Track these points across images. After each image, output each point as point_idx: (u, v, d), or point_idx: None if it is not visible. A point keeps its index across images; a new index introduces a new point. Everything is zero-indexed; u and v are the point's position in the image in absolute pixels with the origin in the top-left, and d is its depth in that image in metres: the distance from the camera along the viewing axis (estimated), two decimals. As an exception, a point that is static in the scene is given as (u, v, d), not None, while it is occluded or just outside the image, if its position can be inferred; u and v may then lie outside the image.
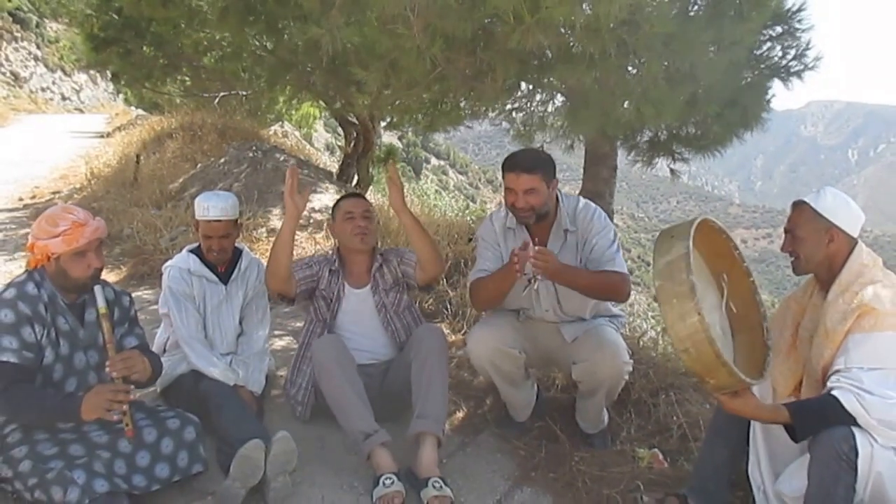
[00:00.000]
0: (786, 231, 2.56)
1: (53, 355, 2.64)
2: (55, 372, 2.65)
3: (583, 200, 3.33)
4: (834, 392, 2.25)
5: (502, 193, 3.24)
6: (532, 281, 2.95)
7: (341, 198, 3.59)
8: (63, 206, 2.74)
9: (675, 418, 3.43)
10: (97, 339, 2.76)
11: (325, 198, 8.19)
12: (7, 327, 2.52)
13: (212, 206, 3.44)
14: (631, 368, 3.18)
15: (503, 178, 3.14)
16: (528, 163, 3.09)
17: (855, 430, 2.19)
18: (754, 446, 2.61)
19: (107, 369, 2.61)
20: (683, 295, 2.15)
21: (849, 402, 2.20)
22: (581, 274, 3.06)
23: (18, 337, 2.53)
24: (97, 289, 2.69)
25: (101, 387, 2.58)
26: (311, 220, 7.45)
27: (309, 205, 7.87)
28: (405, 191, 3.36)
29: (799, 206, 2.53)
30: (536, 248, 2.86)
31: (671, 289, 2.19)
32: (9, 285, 2.65)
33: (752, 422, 2.59)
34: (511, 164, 3.10)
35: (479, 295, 3.27)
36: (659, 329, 4.92)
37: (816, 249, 2.47)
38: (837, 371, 2.30)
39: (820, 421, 2.25)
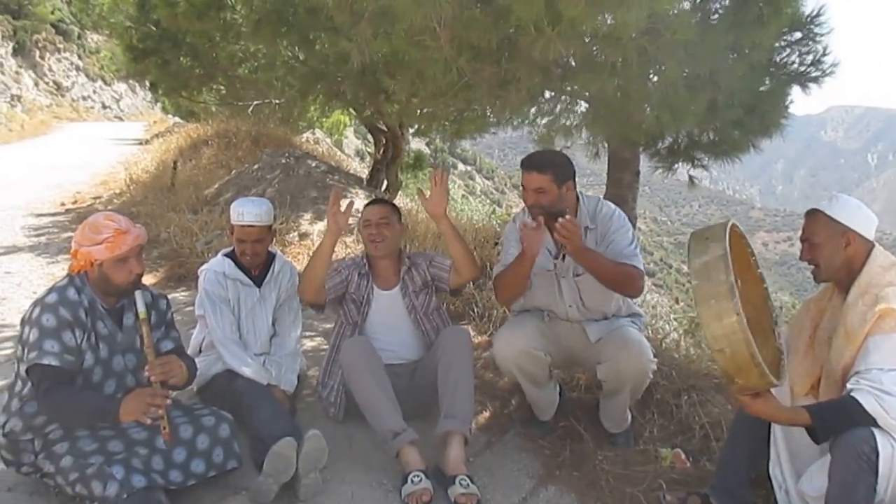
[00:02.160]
0: (802, 240, 2.58)
1: (93, 359, 2.69)
2: (94, 374, 2.70)
3: (603, 201, 3.38)
4: (853, 394, 2.26)
5: None
6: (559, 252, 3.03)
7: (366, 204, 3.66)
8: (105, 213, 2.79)
9: (697, 418, 3.45)
10: (135, 342, 2.83)
11: (355, 203, 8.28)
12: (49, 331, 2.56)
13: (246, 212, 3.51)
14: (655, 367, 3.21)
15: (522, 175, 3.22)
16: (539, 162, 3.17)
17: (875, 431, 2.20)
18: (775, 446, 2.62)
19: (145, 373, 2.66)
20: (722, 295, 2.17)
21: (868, 404, 2.22)
22: (601, 259, 3.09)
23: (60, 341, 2.56)
24: (137, 294, 2.75)
25: (140, 391, 2.62)
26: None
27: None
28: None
29: (813, 213, 2.56)
30: (565, 217, 2.92)
31: (709, 289, 2.21)
32: (51, 290, 2.69)
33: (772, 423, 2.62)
34: (525, 163, 3.19)
35: (499, 285, 3.32)
36: (681, 331, 4.91)
37: (834, 254, 2.49)
38: (857, 372, 2.31)
39: (840, 422, 2.26)
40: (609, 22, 2.86)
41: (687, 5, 3.54)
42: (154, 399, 2.56)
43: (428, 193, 3.32)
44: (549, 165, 3.15)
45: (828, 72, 4.06)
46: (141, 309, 2.73)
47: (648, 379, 3.22)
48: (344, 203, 3.32)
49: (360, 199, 8.40)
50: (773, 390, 2.41)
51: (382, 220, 3.50)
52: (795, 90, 4.15)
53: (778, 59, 4.00)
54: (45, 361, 2.53)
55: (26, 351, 2.57)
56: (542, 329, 3.33)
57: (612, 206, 3.36)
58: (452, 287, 3.57)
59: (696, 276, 2.27)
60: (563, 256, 3.28)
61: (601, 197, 3.47)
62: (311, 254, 6.79)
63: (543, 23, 2.75)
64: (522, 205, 3.31)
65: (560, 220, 2.91)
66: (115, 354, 2.77)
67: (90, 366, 2.68)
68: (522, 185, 3.19)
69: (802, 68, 4.02)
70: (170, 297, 3.13)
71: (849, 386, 2.31)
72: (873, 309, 2.36)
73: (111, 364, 2.76)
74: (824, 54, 4.04)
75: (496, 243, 6.16)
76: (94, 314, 2.72)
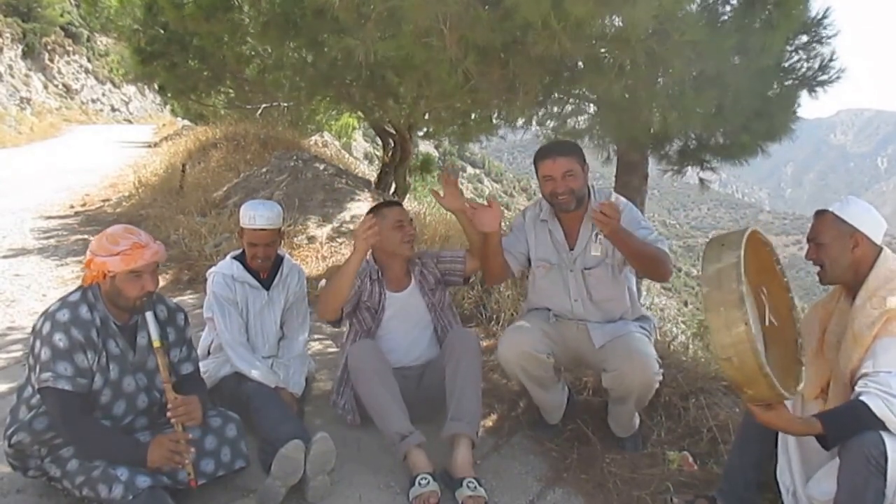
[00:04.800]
0: (809, 241, 2.58)
1: (102, 381, 2.63)
2: (103, 396, 2.65)
3: (614, 194, 3.39)
4: (862, 397, 2.24)
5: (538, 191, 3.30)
6: (594, 237, 3.03)
7: (382, 206, 3.59)
8: (126, 226, 2.73)
9: (704, 421, 3.43)
10: (147, 361, 2.78)
11: (363, 206, 8.31)
12: (62, 353, 2.52)
13: (258, 216, 3.51)
14: (661, 378, 3.18)
15: (538, 169, 3.19)
16: (562, 147, 3.21)
17: (885, 434, 2.19)
18: (784, 449, 2.61)
19: (168, 415, 2.64)
20: (732, 304, 2.14)
21: (877, 407, 2.20)
22: (636, 241, 3.07)
23: (72, 363, 2.53)
24: (150, 319, 2.68)
25: (163, 438, 2.60)
26: (347, 230, 7.56)
27: (347, 213, 8.01)
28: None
29: (822, 214, 2.56)
30: (604, 201, 2.94)
31: (719, 297, 2.18)
32: (63, 304, 2.62)
33: None
34: (546, 152, 3.19)
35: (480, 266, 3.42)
36: (689, 334, 4.90)
37: (842, 255, 2.49)
38: (865, 375, 2.30)
39: (849, 427, 2.25)
40: (616, 23, 2.85)
41: (695, 7, 3.53)
42: (177, 447, 2.57)
43: (442, 193, 3.35)
44: (572, 148, 3.19)
45: (834, 77, 4.04)
46: (154, 337, 2.68)
47: (654, 389, 3.20)
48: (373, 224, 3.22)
49: (368, 203, 8.42)
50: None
51: (411, 221, 3.52)
52: (804, 93, 4.13)
53: (786, 64, 3.98)
54: (59, 386, 2.50)
55: (38, 368, 2.54)
56: (547, 330, 3.31)
57: (623, 199, 3.36)
58: (468, 273, 3.59)
59: (708, 283, 2.24)
60: (572, 248, 3.29)
61: (612, 190, 3.47)
62: (319, 257, 6.85)
63: (550, 21, 2.73)
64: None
65: (598, 203, 2.92)
66: (125, 375, 2.72)
67: (99, 388, 2.63)
68: (545, 176, 3.16)
69: (810, 73, 4.00)
70: (178, 300, 3.12)
71: (857, 389, 2.30)
72: (881, 311, 2.36)
73: (121, 385, 2.71)
74: (831, 59, 4.04)
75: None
76: (107, 332, 2.67)
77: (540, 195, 3.36)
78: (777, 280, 2.61)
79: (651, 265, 3.17)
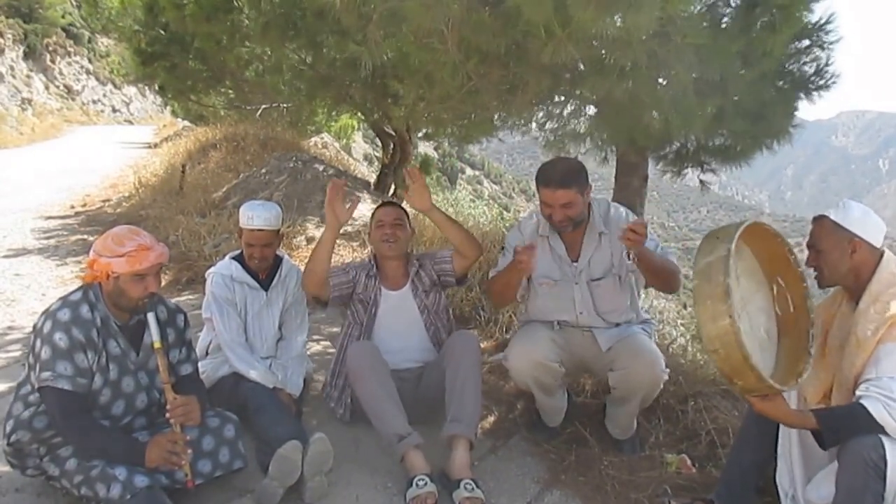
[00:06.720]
0: (809, 247, 2.57)
1: (102, 381, 2.63)
2: (102, 396, 2.65)
3: (613, 204, 3.39)
4: (862, 401, 2.24)
5: (537, 202, 3.29)
6: (629, 255, 3.04)
7: (378, 206, 3.67)
8: (130, 227, 2.74)
9: (703, 425, 3.43)
10: (149, 361, 2.78)
11: (362, 207, 8.30)
12: (62, 352, 2.51)
13: (256, 216, 3.52)
14: (667, 377, 3.18)
15: (539, 190, 3.17)
16: (561, 178, 3.11)
17: (884, 438, 2.19)
18: (784, 453, 2.60)
19: (166, 415, 2.64)
20: (717, 297, 2.16)
21: (877, 411, 2.20)
22: (656, 258, 3.09)
23: (72, 363, 2.53)
24: (150, 318, 2.68)
25: (161, 438, 2.60)
26: (345, 231, 7.55)
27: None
28: (433, 195, 3.44)
29: (819, 219, 2.55)
30: (635, 219, 2.97)
31: (707, 290, 2.20)
32: (64, 304, 2.62)
33: (785, 428, 2.59)
34: (545, 180, 3.13)
35: (491, 289, 3.43)
36: (688, 336, 4.89)
37: (840, 261, 2.48)
38: (867, 380, 2.30)
39: (847, 429, 2.24)
40: (619, 24, 2.84)
41: (698, 7, 3.52)
42: (175, 447, 2.58)
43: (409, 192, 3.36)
44: (571, 179, 3.11)
45: (830, 82, 4.04)
46: (155, 338, 2.68)
47: (659, 388, 3.20)
48: (339, 187, 3.33)
49: (367, 204, 8.42)
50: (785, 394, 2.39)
51: (396, 222, 3.52)
52: (801, 98, 4.12)
53: (785, 67, 3.97)
54: (59, 385, 2.50)
55: (38, 367, 2.54)
56: (554, 338, 3.31)
57: (623, 208, 3.36)
58: (458, 273, 3.57)
59: (698, 275, 2.26)
60: (575, 261, 3.29)
61: (609, 200, 3.47)
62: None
63: (553, 26, 2.73)
64: (529, 210, 3.31)
65: (629, 223, 2.92)
66: (125, 375, 2.72)
67: (98, 388, 2.63)
68: (543, 202, 3.16)
69: (806, 77, 3.98)
70: (177, 300, 3.11)
71: (858, 393, 2.30)
72: (884, 316, 2.35)
73: (120, 385, 2.71)
74: (827, 64, 4.03)
75: (502, 248, 6.14)
76: (107, 332, 2.67)
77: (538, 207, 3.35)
78: (791, 270, 2.60)
79: (666, 280, 3.19)
